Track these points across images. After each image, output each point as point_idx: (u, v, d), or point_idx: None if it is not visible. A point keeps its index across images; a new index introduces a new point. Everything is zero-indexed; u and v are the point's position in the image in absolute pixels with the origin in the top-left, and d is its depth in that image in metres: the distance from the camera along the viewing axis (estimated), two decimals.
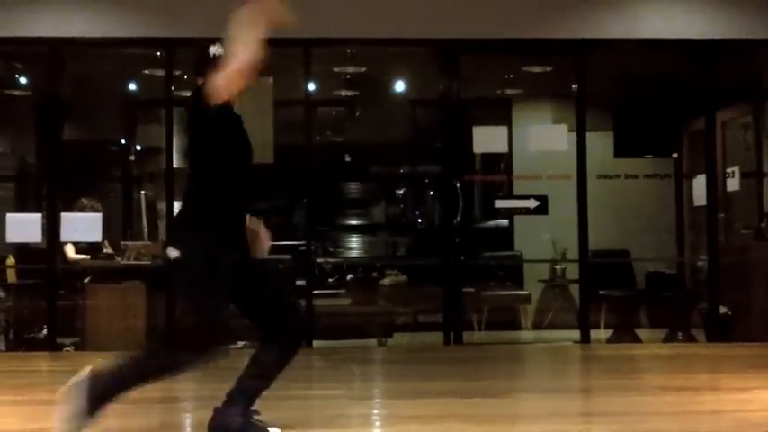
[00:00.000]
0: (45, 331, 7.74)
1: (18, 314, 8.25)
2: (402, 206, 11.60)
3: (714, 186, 8.03)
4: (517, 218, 9.78)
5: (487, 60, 8.95)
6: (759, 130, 8.64)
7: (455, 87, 7.99)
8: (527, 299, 9.63)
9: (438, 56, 8.06)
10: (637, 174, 8.92)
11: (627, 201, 9.40)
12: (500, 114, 10.01)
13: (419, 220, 11.41)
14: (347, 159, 11.35)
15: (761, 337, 7.39)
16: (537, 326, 9.70)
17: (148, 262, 7.86)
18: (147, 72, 8.97)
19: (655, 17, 7.92)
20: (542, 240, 9.34)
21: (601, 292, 8.56)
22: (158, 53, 8.16)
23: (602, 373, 6.54)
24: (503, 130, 8.67)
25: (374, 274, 9.68)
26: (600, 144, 8.20)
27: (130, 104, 10.18)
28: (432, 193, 11.24)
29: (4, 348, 8.05)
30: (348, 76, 9.67)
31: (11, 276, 8.15)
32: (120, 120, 10.20)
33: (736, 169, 8.20)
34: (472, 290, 8.84)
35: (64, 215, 7.71)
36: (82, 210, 7.92)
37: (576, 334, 7.97)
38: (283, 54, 8.00)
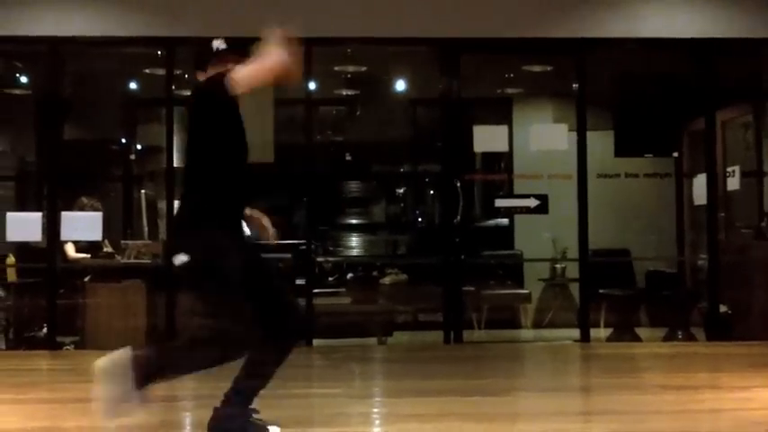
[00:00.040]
0: (45, 330, 7.75)
1: (18, 313, 8.25)
2: (402, 205, 11.61)
3: (714, 185, 8.03)
4: (517, 217, 9.77)
5: (488, 60, 8.95)
6: (759, 130, 8.64)
7: (455, 86, 7.99)
8: (527, 298, 9.63)
9: (438, 55, 8.06)
10: (637, 173, 8.92)
11: (627, 200, 9.40)
12: (500, 113, 10.01)
13: (419, 219, 11.42)
14: (348, 158, 11.35)
15: (761, 336, 7.39)
16: (537, 325, 9.70)
17: (148, 261, 7.86)
18: (147, 71, 8.97)
19: (655, 16, 7.92)
20: (542, 239, 9.33)
21: (601, 291, 8.55)
22: (159, 52, 8.17)
23: (602, 372, 6.54)
24: (503, 129, 8.67)
25: (374, 273, 9.68)
26: (600, 143, 8.20)
27: (131, 103, 10.18)
28: (432, 192, 11.24)
29: (4, 347, 8.06)
30: (349, 75, 9.68)
31: (11, 275, 8.15)
32: (120, 119, 10.20)
33: (737, 168, 8.20)
34: (472, 289, 8.85)
35: (64, 214, 7.71)
36: (82, 209, 7.91)
37: (575, 333, 7.97)
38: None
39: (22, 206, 9.07)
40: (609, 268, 8.93)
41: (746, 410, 4.68)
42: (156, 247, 8.12)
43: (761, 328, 7.52)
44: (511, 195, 8.83)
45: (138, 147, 10.26)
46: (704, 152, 8.15)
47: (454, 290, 7.89)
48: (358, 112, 10.89)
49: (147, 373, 3.61)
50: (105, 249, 8.02)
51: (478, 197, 10.43)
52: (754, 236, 8.20)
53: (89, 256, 7.98)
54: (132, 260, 7.84)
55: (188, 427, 4.57)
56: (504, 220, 10.13)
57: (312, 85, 8.08)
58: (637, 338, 8.49)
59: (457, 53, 7.95)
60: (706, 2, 8.00)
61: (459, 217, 7.99)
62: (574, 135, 7.88)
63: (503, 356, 7.45)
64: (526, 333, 9.47)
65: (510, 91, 10.21)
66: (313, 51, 7.75)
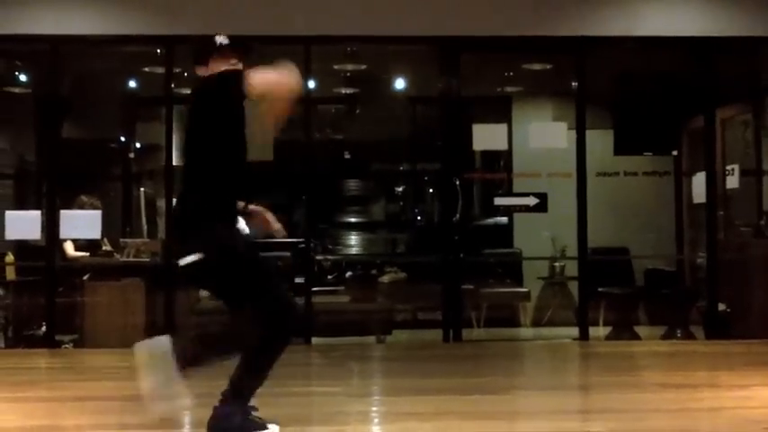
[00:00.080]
0: (44, 328, 7.75)
1: (17, 311, 8.25)
2: (401, 203, 11.61)
3: (713, 184, 8.03)
4: (517, 215, 9.77)
5: (487, 58, 8.95)
6: (759, 128, 8.63)
7: (455, 85, 7.99)
8: (526, 296, 9.64)
9: (438, 53, 8.06)
10: (636, 171, 8.94)
11: (626, 198, 9.40)
12: (500, 112, 10.00)
13: (418, 218, 11.42)
14: (347, 157, 11.35)
15: (760, 335, 7.39)
16: (536, 323, 9.70)
17: (147, 259, 7.86)
18: (146, 69, 8.97)
19: (654, 15, 7.92)
20: (542, 238, 9.33)
21: (600, 289, 8.55)
22: (158, 50, 8.17)
23: (601, 371, 6.54)
24: (502, 127, 8.68)
25: (373, 272, 9.68)
26: (599, 141, 8.21)
27: (130, 102, 10.18)
28: (431, 190, 11.24)
29: (3, 345, 8.06)
30: (348, 74, 9.67)
31: (10, 273, 8.16)
32: (119, 117, 10.20)
33: (736, 167, 8.20)
34: (471, 287, 8.84)
35: (63, 212, 7.71)
36: (81, 207, 7.91)
37: (574, 331, 7.98)
38: (283, 51, 8.04)
39: (21, 204, 9.07)
40: (608, 267, 8.93)
41: (745, 409, 4.68)
42: (154, 246, 8.12)
43: (760, 326, 7.53)
44: (510, 194, 8.85)
45: (138, 145, 10.26)
46: (703, 150, 8.15)
47: (453, 288, 7.89)
48: (357, 111, 10.89)
49: (192, 355, 3.66)
50: (104, 248, 8.02)
51: (478, 195, 10.43)
52: (753, 234, 8.20)
53: (88, 254, 7.99)
54: (131, 258, 7.84)
55: (186, 426, 4.57)
56: (504, 219, 10.12)
57: (311, 84, 8.07)
58: (636, 337, 8.50)
59: (456, 52, 7.94)
60: (705, 0, 8.00)
61: (458, 215, 7.99)
62: (573, 133, 7.88)
63: (502, 355, 7.45)
64: (525, 331, 9.47)
65: (509, 89, 10.20)
66: (312, 49, 7.78)
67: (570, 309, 9.18)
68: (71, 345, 7.71)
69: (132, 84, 9.80)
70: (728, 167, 8.29)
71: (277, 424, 3.90)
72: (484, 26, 7.79)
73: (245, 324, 3.79)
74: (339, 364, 6.78)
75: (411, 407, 4.75)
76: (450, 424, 4.32)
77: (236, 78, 3.71)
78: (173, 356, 3.62)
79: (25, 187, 9.46)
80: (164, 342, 3.66)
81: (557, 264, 9.74)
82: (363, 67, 9.31)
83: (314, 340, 7.67)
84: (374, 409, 5.00)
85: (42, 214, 7.75)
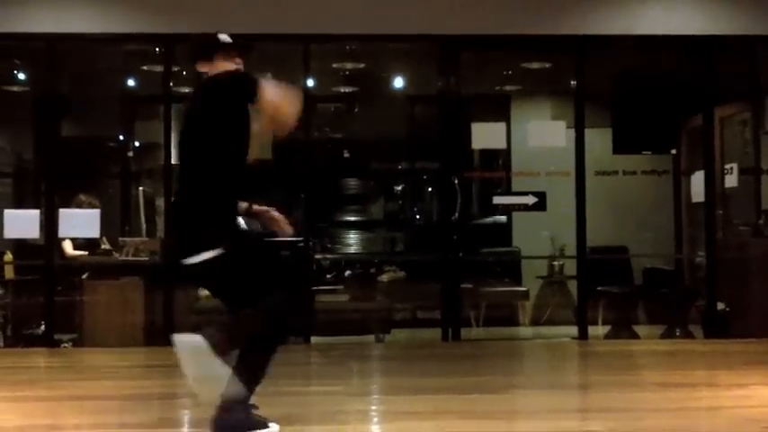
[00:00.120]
0: (43, 327, 7.74)
1: (16, 310, 8.25)
2: (400, 202, 11.60)
3: (712, 183, 8.03)
4: (515, 214, 9.76)
5: (486, 57, 8.95)
6: (757, 127, 8.63)
7: (454, 83, 7.99)
8: (525, 295, 9.63)
9: (437, 52, 8.05)
10: (635, 170, 8.93)
11: (625, 197, 9.40)
12: (499, 111, 10.00)
13: (417, 217, 11.40)
14: (346, 155, 11.33)
15: (759, 334, 7.40)
16: (535, 322, 9.71)
17: (146, 258, 7.86)
18: (145, 68, 8.96)
19: (653, 13, 7.91)
20: (540, 237, 9.33)
21: (599, 288, 8.56)
22: (157, 49, 8.16)
23: (600, 370, 6.54)
24: (501, 126, 8.67)
25: (372, 271, 9.67)
26: (598, 140, 8.20)
27: (129, 100, 10.16)
28: (430, 189, 11.23)
29: (2, 345, 8.06)
30: (347, 72, 9.66)
31: (8, 272, 8.15)
32: (118, 116, 10.18)
33: (735, 166, 8.21)
34: (470, 286, 8.83)
35: (62, 211, 7.70)
36: (80, 206, 7.91)
37: (573, 330, 7.98)
38: (282, 50, 8.04)
39: (19, 203, 9.07)
40: (607, 265, 8.93)
41: (744, 408, 4.68)
42: (153, 245, 8.10)
43: (759, 325, 7.53)
44: (509, 192, 8.85)
45: (136, 144, 10.25)
46: (702, 149, 8.15)
47: (452, 287, 7.89)
48: (356, 109, 10.89)
49: (231, 343, 3.68)
50: (103, 246, 8.01)
51: (476, 194, 10.42)
52: (751, 233, 8.21)
53: (87, 253, 7.98)
54: (130, 257, 7.83)
55: (186, 424, 4.57)
56: (503, 218, 10.12)
57: (310, 82, 8.07)
58: (635, 336, 8.50)
59: (456, 50, 7.94)
60: None
61: (457, 214, 7.98)
62: (572, 132, 7.88)
63: (501, 354, 7.45)
64: (524, 330, 9.47)
65: (508, 88, 10.20)
66: (311, 48, 7.78)
67: (569, 308, 9.18)
68: (70, 344, 7.70)
69: (131, 82, 9.78)
70: (727, 166, 8.30)
71: (277, 423, 3.90)
72: (483, 25, 7.79)
73: (246, 321, 3.79)
74: (338, 363, 6.78)
75: (410, 406, 4.75)
76: (449, 423, 4.33)
77: (249, 82, 3.72)
78: (210, 345, 3.63)
79: (24, 186, 9.45)
80: (199, 342, 3.67)
81: (556, 263, 9.75)
82: (362, 65, 9.31)
83: (313, 339, 7.67)
84: (373, 408, 5.00)
85: (41, 213, 7.74)
